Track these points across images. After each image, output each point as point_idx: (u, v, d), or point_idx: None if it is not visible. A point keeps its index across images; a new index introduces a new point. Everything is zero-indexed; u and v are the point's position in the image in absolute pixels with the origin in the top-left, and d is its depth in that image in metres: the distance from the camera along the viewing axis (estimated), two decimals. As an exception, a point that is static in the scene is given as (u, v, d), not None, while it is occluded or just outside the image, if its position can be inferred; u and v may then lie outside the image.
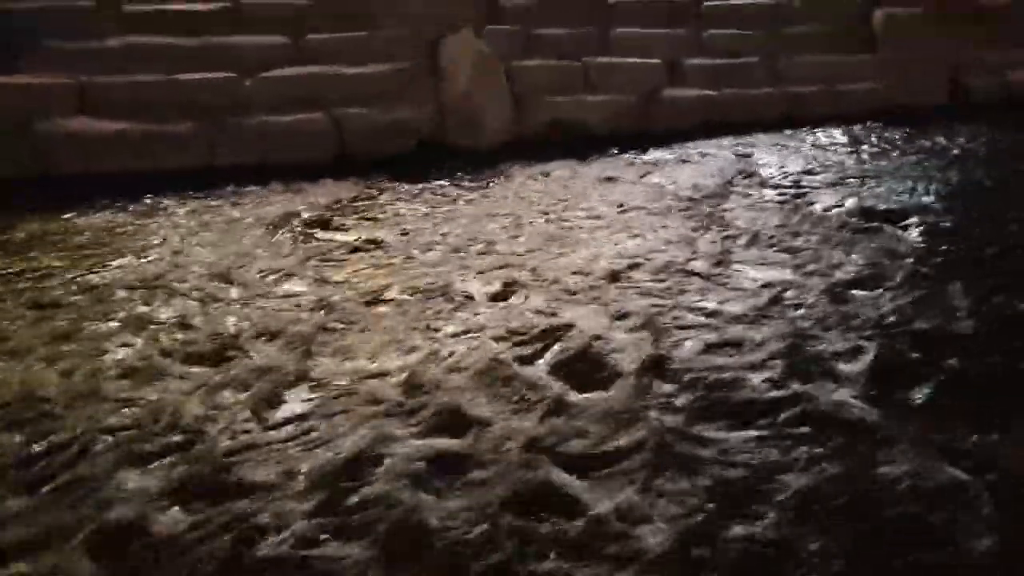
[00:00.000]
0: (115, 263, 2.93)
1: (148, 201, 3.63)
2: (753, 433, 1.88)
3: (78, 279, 2.78)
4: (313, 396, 2.02)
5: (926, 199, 3.91)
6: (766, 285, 2.83)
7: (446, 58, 4.71)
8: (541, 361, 2.25)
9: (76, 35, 4.14)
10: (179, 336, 2.37)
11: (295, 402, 2.00)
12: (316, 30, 4.65)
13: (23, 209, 3.45)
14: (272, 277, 2.83)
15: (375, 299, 2.66)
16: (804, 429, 1.89)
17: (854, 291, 2.80)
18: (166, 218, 3.44)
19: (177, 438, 1.84)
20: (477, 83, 4.68)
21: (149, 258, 2.98)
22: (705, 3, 5.82)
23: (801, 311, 2.63)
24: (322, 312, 2.53)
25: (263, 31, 4.57)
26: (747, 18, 5.87)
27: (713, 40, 5.69)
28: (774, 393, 2.07)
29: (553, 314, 2.55)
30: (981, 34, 6.37)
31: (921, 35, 6.08)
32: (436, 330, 2.43)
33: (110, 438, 1.84)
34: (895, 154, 4.77)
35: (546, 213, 3.62)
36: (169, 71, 4.17)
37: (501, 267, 2.94)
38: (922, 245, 3.28)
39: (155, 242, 3.14)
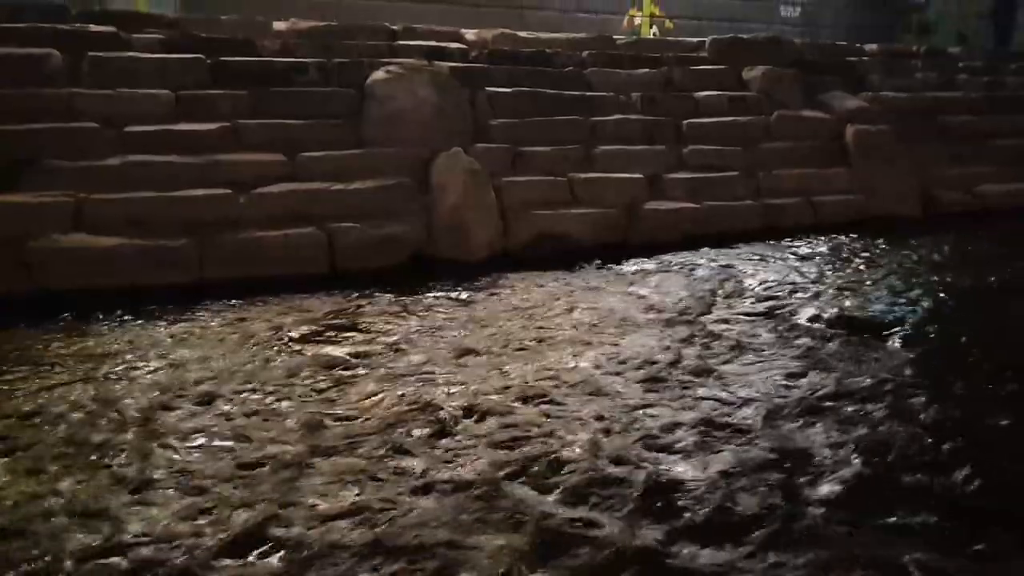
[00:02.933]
0: (95, 384, 2.91)
1: (138, 317, 3.63)
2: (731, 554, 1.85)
3: (62, 399, 2.76)
4: (292, 539, 1.96)
5: (906, 309, 3.99)
6: (750, 398, 2.86)
7: (437, 175, 4.87)
8: (525, 481, 2.23)
9: (77, 155, 4.26)
10: (161, 463, 2.34)
11: (273, 540, 1.94)
12: (312, 149, 4.81)
13: (10, 326, 3.46)
14: (258, 395, 2.82)
15: (363, 418, 2.64)
16: (779, 555, 1.86)
17: (839, 404, 2.82)
18: (155, 334, 3.45)
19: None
20: (466, 199, 4.82)
21: (136, 377, 2.96)
22: (685, 121, 6.09)
23: (785, 425, 2.64)
24: (307, 435, 2.51)
25: (260, 150, 4.73)
26: (726, 134, 6.14)
27: (693, 155, 5.93)
28: (755, 511, 2.07)
29: (541, 429, 2.54)
30: (948, 150, 6.70)
31: (891, 150, 6.37)
32: (424, 452, 2.42)
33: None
34: (874, 265, 4.89)
35: (533, 325, 3.65)
36: (166, 188, 4.27)
37: (488, 380, 2.95)
38: (905, 356, 3.33)
39: (143, 360, 3.14)
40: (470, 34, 6.28)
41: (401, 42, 5.85)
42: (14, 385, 2.86)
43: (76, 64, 4.66)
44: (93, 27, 4.94)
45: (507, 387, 2.89)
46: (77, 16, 5.06)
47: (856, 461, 2.37)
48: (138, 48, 4.97)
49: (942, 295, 4.26)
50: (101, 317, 3.61)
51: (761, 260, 4.95)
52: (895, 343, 3.49)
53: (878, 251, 5.24)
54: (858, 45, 7.92)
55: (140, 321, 3.60)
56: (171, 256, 4.07)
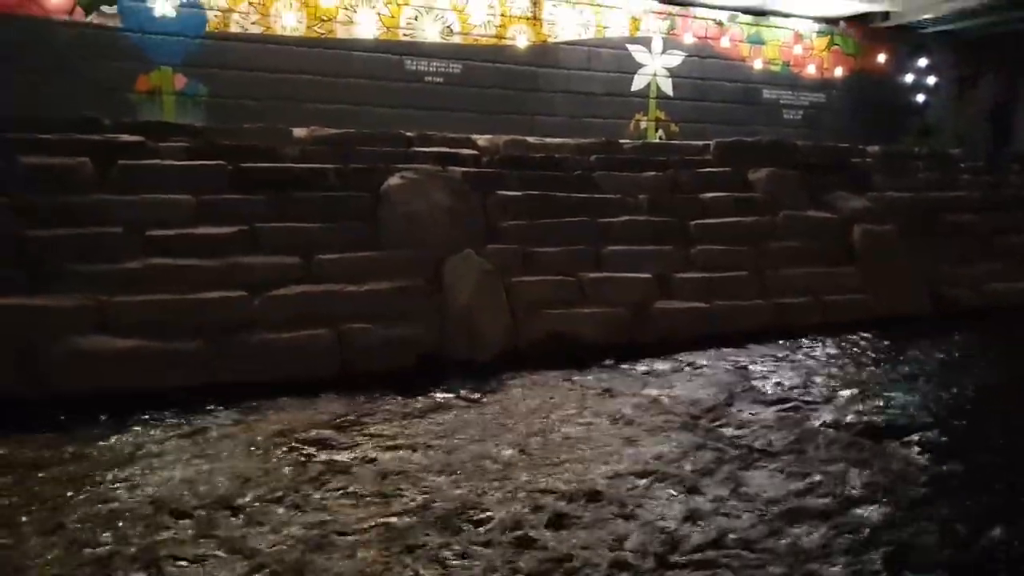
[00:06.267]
0: (110, 488, 2.90)
1: (149, 420, 3.64)
2: None
3: (69, 506, 2.75)
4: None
5: (922, 412, 3.95)
6: (769, 506, 2.80)
7: (449, 276, 4.96)
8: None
9: (100, 258, 4.38)
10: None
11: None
12: (328, 251, 4.92)
13: (26, 429, 3.47)
14: (265, 505, 2.79)
15: (370, 528, 2.61)
16: None
17: (859, 513, 2.77)
18: (164, 438, 3.45)
19: None
20: (478, 299, 4.89)
21: (144, 483, 2.95)
22: (692, 222, 6.21)
23: (805, 536, 2.58)
24: (311, 548, 2.48)
25: (277, 252, 4.84)
26: (733, 234, 6.23)
27: (701, 255, 6.01)
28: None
29: (553, 542, 2.50)
30: (954, 249, 6.77)
31: (898, 250, 6.44)
32: (432, 564, 2.37)
33: None
34: (887, 365, 4.87)
35: (545, 429, 3.63)
36: (184, 291, 4.36)
37: (501, 487, 2.91)
38: (923, 463, 3.28)
39: (150, 465, 3.13)
40: (482, 140, 6.51)
41: (416, 148, 6.07)
42: (32, 491, 2.86)
43: (106, 171, 4.86)
44: (123, 137, 5.17)
45: (520, 496, 2.86)
46: (109, 126, 5.30)
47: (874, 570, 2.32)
48: (164, 156, 5.18)
49: (956, 397, 4.22)
50: (113, 420, 3.61)
51: (772, 360, 4.94)
52: (912, 449, 3.44)
53: (889, 351, 5.23)
54: (860, 147, 8.13)
55: (151, 424, 3.60)
56: (185, 358, 4.11)
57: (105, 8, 6.40)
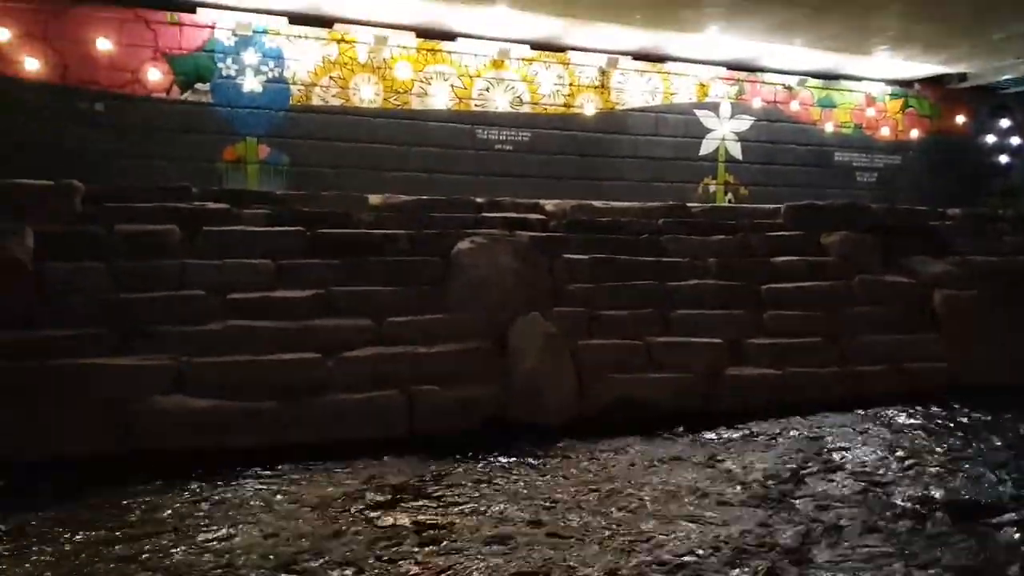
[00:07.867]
0: (175, 549, 2.98)
1: (221, 479, 3.73)
2: None
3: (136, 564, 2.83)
4: None
5: (1013, 489, 3.70)
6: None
7: (515, 339, 4.99)
8: None
9: (182, 320, 4.59)
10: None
11: None
12: (399, 314, 5.04)
13: (107, 486, 3.62)
14: (332, 567, 2.80)
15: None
16: None
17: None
18: (235, 498, 3.52)
19: None
20: (543, 363, 4.89)
21: (211, 542, 3.02)
22: (763, 286, 6.10)
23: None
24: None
25: (350, 315, 4.98)
26: (806, 299, 6.08)
27: (773, 320, 5.87)
28: None
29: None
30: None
31: (985, 316, 6.14)
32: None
33: None
34: (973, 438, 4.60)
35: (612, 498, 3.55)
36: (261, 352, 4.52)
37: (565, 560, 2.86)
38: (1017, 545, 3.06)
39: (218, 524, 3.20)
40: (550, 205, 6.61)
41: (486, 214, 6.20)
42: (106, 549, 2.96)
43: (192, 237, 5.14)
44: (209, 205, 5.48)
45: (587, 572, 2.79)
46: (197, 194, 5.62)
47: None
48: (247, 222, 5.45)
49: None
50: (188, 477, 3.72)
51: (850, 431, 4.74)
52: (1007, 530, 3.21)
53: (975, 422, 4.95)
54: (940, 209, 7.89)
55: (223, 483, 3.69)
56: (259, 418, 4.23)
57: (199, 86, 6.87)
